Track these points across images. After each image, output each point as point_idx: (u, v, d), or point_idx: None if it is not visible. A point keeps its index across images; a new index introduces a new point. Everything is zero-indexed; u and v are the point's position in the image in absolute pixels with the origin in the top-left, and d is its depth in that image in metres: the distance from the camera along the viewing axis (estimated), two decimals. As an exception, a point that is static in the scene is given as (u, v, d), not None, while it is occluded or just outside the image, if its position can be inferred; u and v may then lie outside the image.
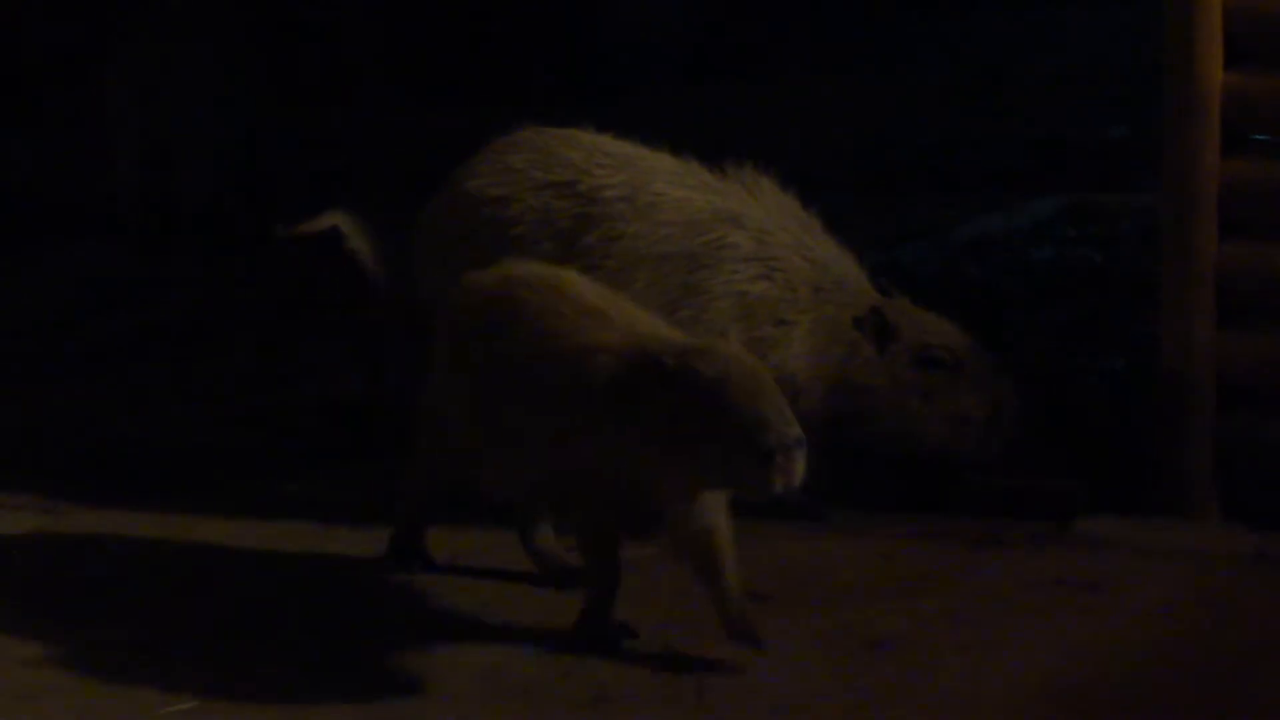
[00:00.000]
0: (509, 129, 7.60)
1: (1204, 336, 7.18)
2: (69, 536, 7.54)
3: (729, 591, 6.14)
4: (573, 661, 6.19)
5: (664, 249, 7.21)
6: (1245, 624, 6.45)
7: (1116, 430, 7.61)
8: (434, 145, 7.98)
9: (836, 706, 5.89)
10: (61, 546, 7.46)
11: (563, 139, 7.48)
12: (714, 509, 6.12)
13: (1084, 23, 13.19)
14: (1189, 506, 7.22)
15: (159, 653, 6.36)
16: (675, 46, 12.95)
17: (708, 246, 7.19)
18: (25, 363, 9.76)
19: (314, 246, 8.31)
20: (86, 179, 11.52)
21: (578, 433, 6.09)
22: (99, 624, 6.63)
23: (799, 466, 5.75)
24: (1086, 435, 7.62)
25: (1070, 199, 10.12)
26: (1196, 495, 7.23)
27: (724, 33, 13.13)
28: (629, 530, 6.37)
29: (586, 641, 6.23)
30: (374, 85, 12.04)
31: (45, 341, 10.08)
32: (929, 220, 10.06)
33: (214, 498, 7.88)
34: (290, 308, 8.45)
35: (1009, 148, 11.23)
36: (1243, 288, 7.20)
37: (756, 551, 6.96)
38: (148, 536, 7.50)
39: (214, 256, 9.90)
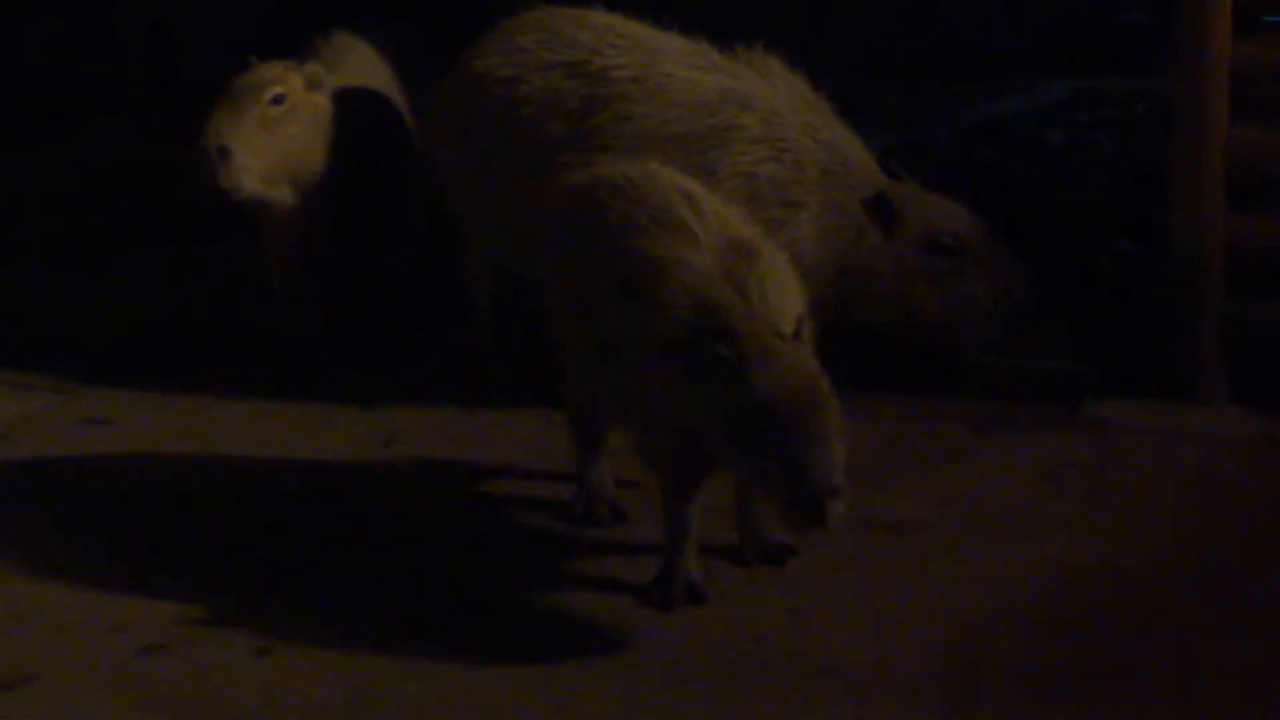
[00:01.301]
0: (518, 7, 7.55)
1: (1214, 218, 7.19)
2: (79, 416, 7.54)
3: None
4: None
5: (673, 130, 7.16)
6: (1252, 506, 6.47)
7: (1126, 313, 7.60)
8: (447, 21, 7.90)
9: (847, 587, 5.93)
10: (70, 427, 7.46)
11: (572, 19, 7.42)
12: None
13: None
14: (1198, 390, 7.25)
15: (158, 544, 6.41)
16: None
17: (716, 128, 7.14)
18: (38, 244, 9.73)
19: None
20: (95, 59, 11.44)
21: (643, 371, 5.77)
22: (103, 514, 6.65)
23: (832, 514, 5.28)
24: (1096, 318, 7.60)
25: (1083, 83, 10.08)
26: (1205, 379, 7.25)
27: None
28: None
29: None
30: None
31: (56, 224, 10.05)
32: (940, 104, 10.02)
33: (229, 377, 7.87)
34: None
35: (1023, 33, 11.16)
36: (1254, 170, 7.18)
37: None
38: (161, 419, 7.49)
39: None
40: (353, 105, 8.00)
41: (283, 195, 7.77)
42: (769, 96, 7.24)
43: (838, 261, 7.14)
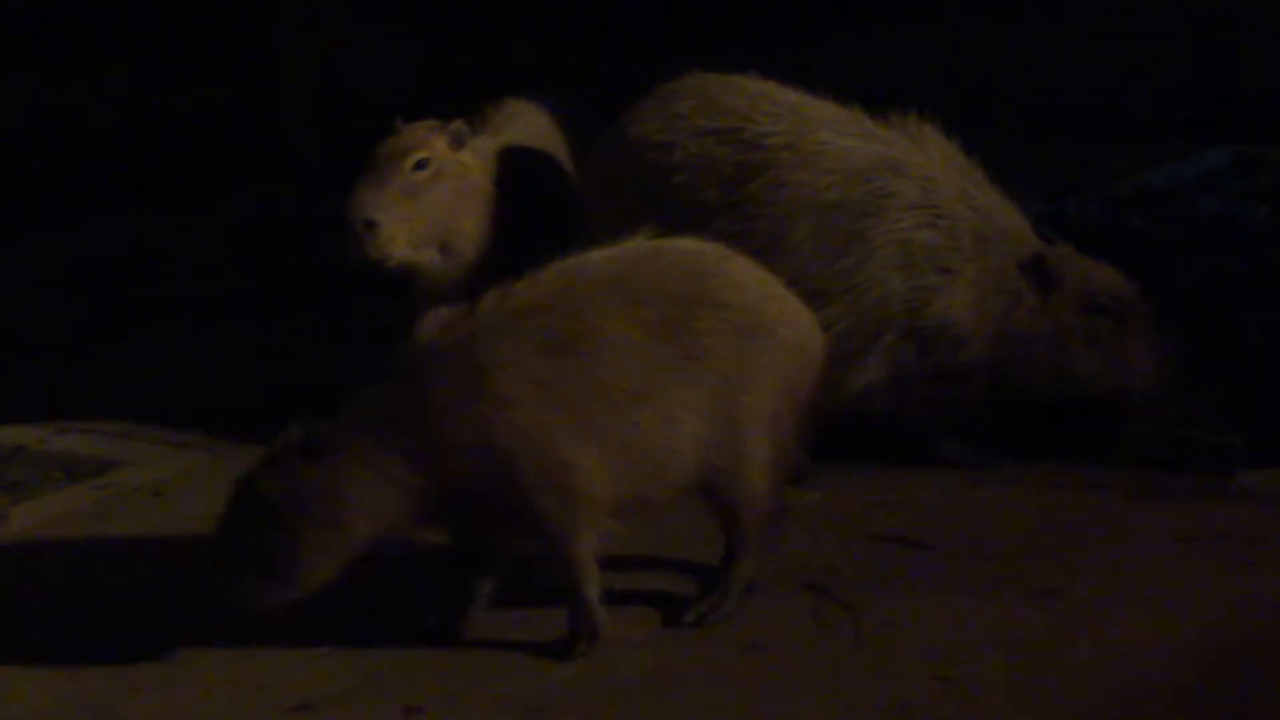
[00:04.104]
0: (673, 74, 7.58)
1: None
2: (230, 474, 7.58)
3: None
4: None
5: (828, 197, 7.18)
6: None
7: (1278, 383, 7.48)
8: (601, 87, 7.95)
9: (997, 655, 5.87)
10: (222, 484, 7.50)
11: (727, 85, 7.47)
12: None
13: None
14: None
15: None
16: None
17: (871, 195, 7.16)
18: (195, 301, 9.85)
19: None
20: (261, 122, 11.60)
21: None
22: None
23: None
24: (1249, 387, 7.49)
25: (1239, 151, 9.97)
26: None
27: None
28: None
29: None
30: (540, 29, 12.02)
31: (214, 282, 10.16)
32: (1094, 171, 9.96)
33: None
34: None
35: (1177, 98, 11.10)
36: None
37: (913, 502, 7.08)
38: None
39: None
40: (517, 166, 8.05)
41: (431, 257, 7.80)
42: (923, 163, 7.25)
43: (996, 327, 7.14)
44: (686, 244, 6.16)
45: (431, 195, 7.77)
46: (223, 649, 6.05)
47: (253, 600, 5.72)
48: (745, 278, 6.09)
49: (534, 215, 7.94)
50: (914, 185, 7.16)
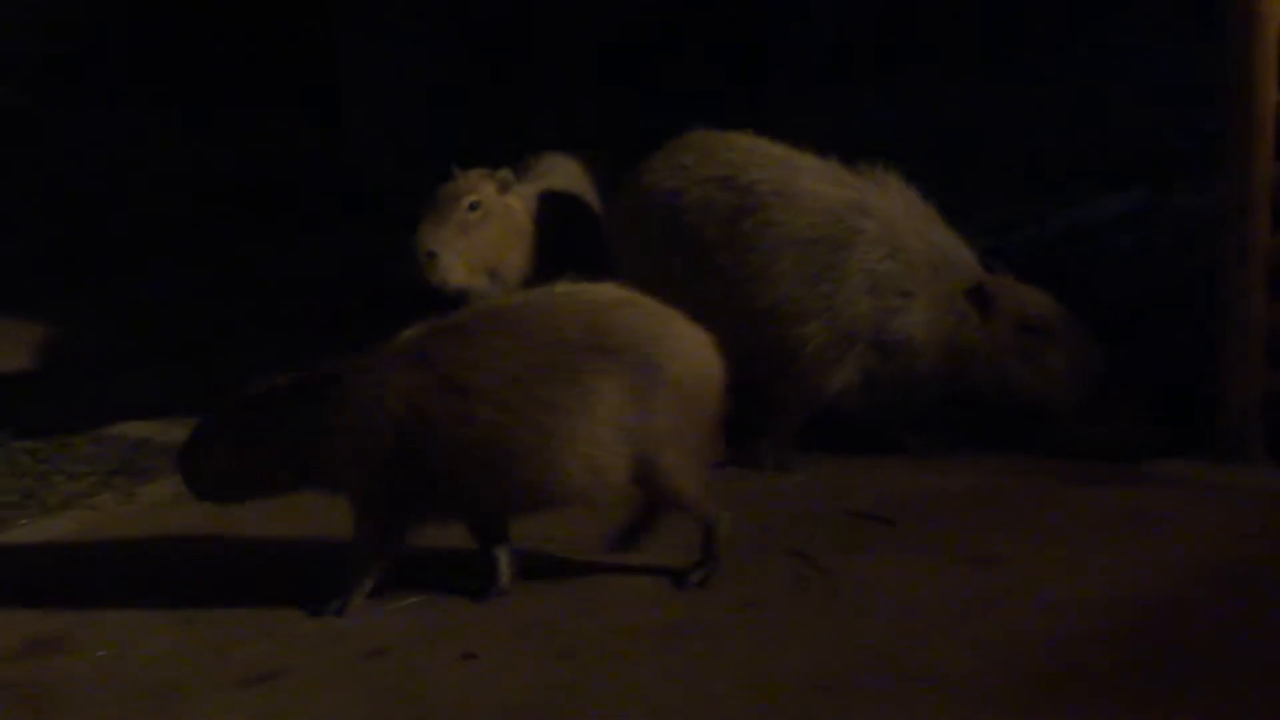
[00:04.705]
0: (682, 130, 7.64)
1: (1258, 309, 7.12)
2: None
3: None
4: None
5: (808, 234, 7.20)
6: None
7: (1183, 385, 7.52)
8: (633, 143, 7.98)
9: (953, 608, 5.92)
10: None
11: (725, 141, 7.51)
12: None
13: (1159, 47, 13.02)
14: (1242, 452, 7.16)
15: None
16: (818, 54, 12.88)
17: (844, 231, 7.18)
18: (294, 320, 9.84)
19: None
20: (338, 168, 11.55)
21: None
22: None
23: None
24: (1157, 390, 7.54)
25: (1150, 195, 10.00)
26: (1249, 442, 7.17)
27: (856, 43, 13.04)
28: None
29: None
30: (579, 90, 12.00)
31: (309, 303, 10.15)
32: (1029, 210, 9.97)
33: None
34: None
35: (1097, 152, 11.10)
36: (1292, 269, 7.13)
37: (880, 484, 7.10)
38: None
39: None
40: (553, 208, 8.11)
41: (483, 283, 7.88)
42: (886, 205, 7.27)
43: (945, 341, 7.17)
44: (588, 291, 6.04)
45: (482, 232, 7.86)
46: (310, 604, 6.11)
47: (211, 497, 6.03)
48: (636, 321, 5.93)
49: (567, 249, 8.02)
50: (878, 224, 7.20)
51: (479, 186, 7.89)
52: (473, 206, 7.83)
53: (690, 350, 5.98)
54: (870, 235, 7.16)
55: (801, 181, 7.28)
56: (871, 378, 7.23)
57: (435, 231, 7.75)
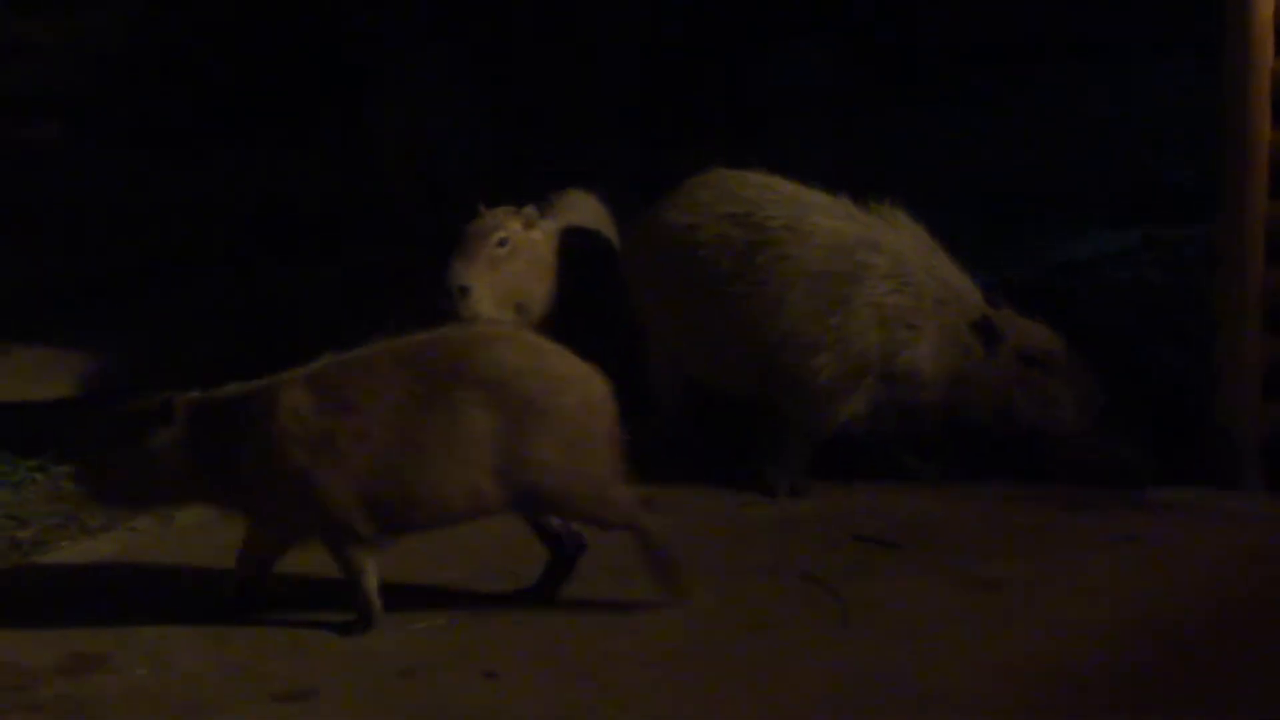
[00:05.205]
0: (698, 169, 7.71)
1: (1253, 341, 7.19)
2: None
3: None
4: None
5: (818, 268, 7.28)
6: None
7: (1181, 415, 7.59)
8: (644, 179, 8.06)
9: (960, 630, 5.99)
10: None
11: (740, 179, 7.58)
12: None
13: (1160, 78, 13.08)
14: (1239, 479, 7.23)
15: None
16: (822, 90, 12.95)
17: (853, 266, 7.26)
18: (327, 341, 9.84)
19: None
20: (363, 196, 11.55)
21: None
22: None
23: None
24: (1156, 419, 7.59)
25: (1144, 230, 10.08)
26: (1246, 470, 7.24)
27: (854, 79, 13.11)
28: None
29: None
30: (598, 129, 12.03)
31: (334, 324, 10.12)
32: (1031, 246, 10.03)
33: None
34: None
35: (1095, 187, 11.16)
36: (1285, 304, 7.21)
37: (887, 509, 7.16)
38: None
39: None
40: (575, 243, 8.18)
41: (510, 316, 7.96)
42: (894, 240, 7.34)
43: (950, 372, 7.24)
44: (472, 330, 6.33)
45: (510, 266, 7.94)
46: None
47: (105, 505, 6.35)
48: (508, 356, 6.08)
49: (588, 282, 8.13)
50: (887, 258, 7.27)
51: (506, 223, 7.98)
52: (501, 243, 7.93)
53: (566, 382, 6.13)
54: (879, 270, 7.24)
55: (813, 217, 7.36)
56: (879, 407, 7.29)
57: (466, 267, 7.84)
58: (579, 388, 6.14)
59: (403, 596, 6.25)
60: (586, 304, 8.10)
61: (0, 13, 12.60)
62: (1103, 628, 5.97)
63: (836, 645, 5.90)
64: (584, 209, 8.44)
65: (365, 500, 6.03)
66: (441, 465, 6.01)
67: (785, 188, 7.51)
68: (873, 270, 7.24)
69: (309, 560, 6.30)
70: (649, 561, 6.21)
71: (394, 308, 7.95)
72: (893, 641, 5.92)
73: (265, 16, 12.58)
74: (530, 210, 8.06)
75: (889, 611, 6.16)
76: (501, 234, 7.94)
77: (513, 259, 7.96)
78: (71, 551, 6.67)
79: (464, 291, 7.78)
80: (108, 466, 6.15)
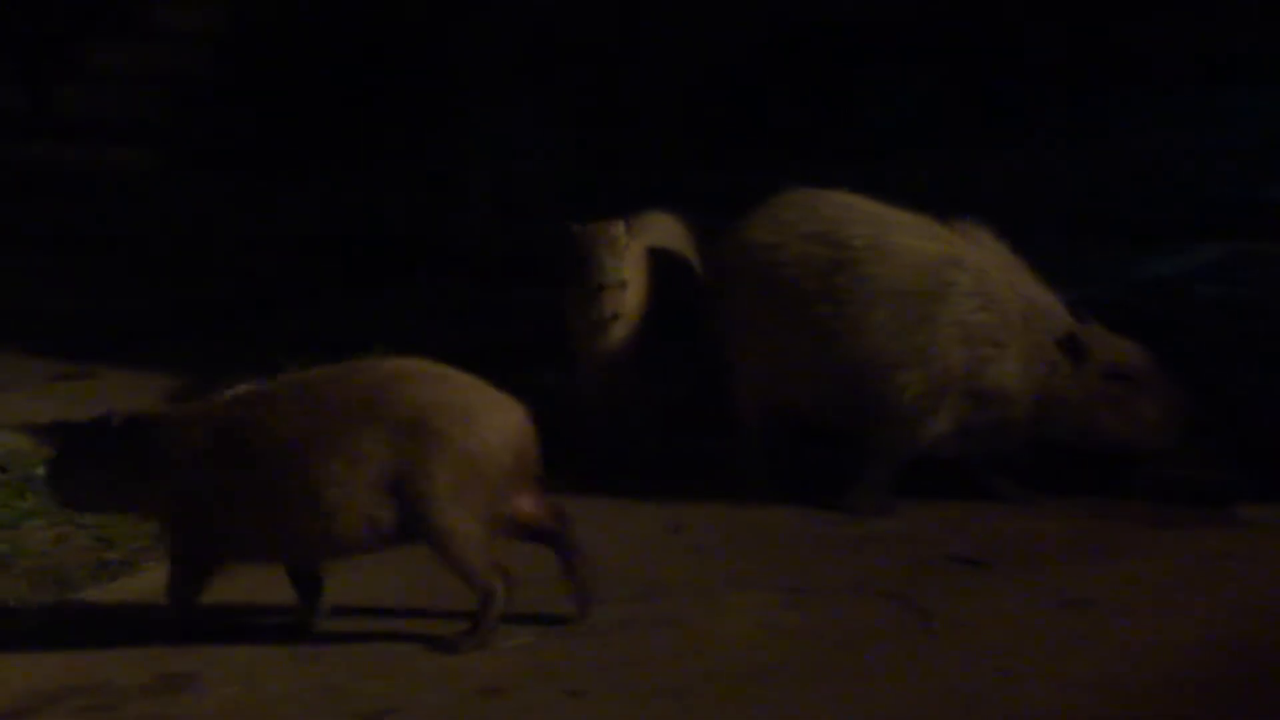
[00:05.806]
0: (783, 189, 7.65)
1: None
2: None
3: None
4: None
5: (901, 287, 7.24)
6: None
7: (1270, 433, 7.51)
8: (720, 202, 8.01)
9: (1049, 648, 5.94)
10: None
11: (822, 198, 7.53)
12: None
13: (1246, 102, 13.02)
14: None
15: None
16: (915, 121, 12.95)
17: (937, 284, 7.21)
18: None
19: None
20: (443, 223, 11.61)
21: None
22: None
23: None
24: (1244, 436, 7.53)
25: (1232, 246, 10.00)
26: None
27: (943, 110, 13.10)
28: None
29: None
30: (672, 150, 12.07)
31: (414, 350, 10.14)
32: (1117, 262, 9.97)
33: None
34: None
35: (1184, 204, 11.09)
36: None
37: (973, 528, 7.12)
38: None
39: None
40: (657, 262, 8.12)
41: (634, 321, 7.90)
42: (978, 258, 7.29)
43: (1036, 389, 7.18)
44: (382, 365, 6.23)
45: (636, 271, 7.87)
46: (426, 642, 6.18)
47: (70, 507, 6.63)
48: (415, 392, 6.05)
49: (668, 302, 8.06)
50: (971, 276, 7.23)
51: (618, 233, 7.84)
52: (627, 246, 7.82)
53: (479, 420, 6.06)
54: (963, 287, 7.20)
55: (895, 236, 7.32)
56: (965, 425, 7.24)
57: (620, 263, 7.71)
58: (494, 426, 6.08)
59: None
60: (667, 322, 8.04)
61: (94, 38, 12.79)
62: (1193, 647, 5.91)
63: (924, 664, 5.86)
64: (664, 229, 8.38)
65: (257, 534, 6.14)
66: (338, 498, 6.02)
67: (868, 207, 7.48)
68: (957, 288, 7.20)
69: (407, 576, 6.31)
70: (474, 623, 6.12)
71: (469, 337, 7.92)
72: (981, 660, 5.87)
73: (364, 48, 12.74)
74: (621, 226, 7.94)
75: (977, 630, 6.12)
76: (623, 240, 7.80)
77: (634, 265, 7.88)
78: (158, 572, 6.68)
79: (621, 286, 7.67)
80: (64, 473, 6.39)
